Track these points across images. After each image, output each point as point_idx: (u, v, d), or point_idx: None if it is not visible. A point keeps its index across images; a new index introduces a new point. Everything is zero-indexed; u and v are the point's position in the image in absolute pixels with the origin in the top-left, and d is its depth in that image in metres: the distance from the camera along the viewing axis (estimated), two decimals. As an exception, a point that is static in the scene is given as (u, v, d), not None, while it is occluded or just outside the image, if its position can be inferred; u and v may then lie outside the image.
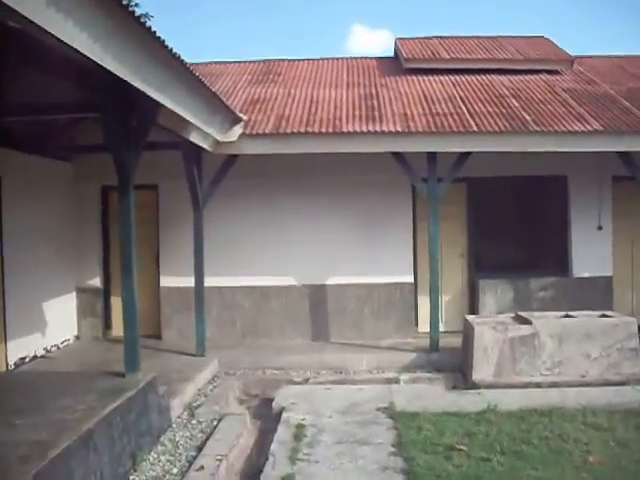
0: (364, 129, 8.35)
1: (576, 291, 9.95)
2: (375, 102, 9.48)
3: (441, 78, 10.77)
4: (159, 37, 4.89)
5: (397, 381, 7.99)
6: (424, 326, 9.79)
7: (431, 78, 10.80)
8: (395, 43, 12.53)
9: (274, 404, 6.93)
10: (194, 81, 6.21)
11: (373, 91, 10.14)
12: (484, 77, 10.74)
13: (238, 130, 8.27)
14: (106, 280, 10.31)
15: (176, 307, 9.91)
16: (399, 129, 8.32)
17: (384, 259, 9.87)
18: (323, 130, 8.32)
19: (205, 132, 7.36)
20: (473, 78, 10.71)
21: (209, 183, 8.76)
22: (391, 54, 13.02)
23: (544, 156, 9.02)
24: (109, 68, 4.43)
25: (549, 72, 11.04)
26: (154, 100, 5.44)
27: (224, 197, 9.45)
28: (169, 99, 5.71)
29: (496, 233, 10.29)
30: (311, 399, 6.98)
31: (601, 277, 10.00)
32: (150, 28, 4.69)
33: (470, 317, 8.57)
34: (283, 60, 12.40)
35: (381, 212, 9.86)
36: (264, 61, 12.39)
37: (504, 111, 8.99)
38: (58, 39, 3.78)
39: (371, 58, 12.53)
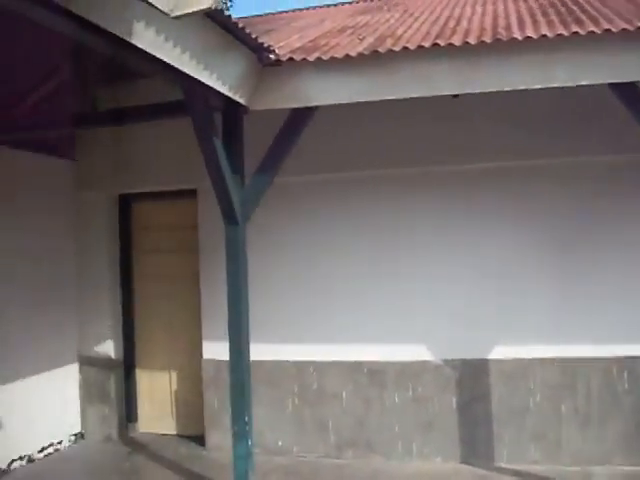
0: (564, 32, 3.72)
1: None
2: (575, 7, 4.83)
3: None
4: None
5: None
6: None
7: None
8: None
9: None
10: None
11: (568, -1, 5.45)
12: None
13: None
14: (127, 345, 6.57)
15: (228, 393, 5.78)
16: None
17: (601, 311, 5.12)
18: (471, 40, 3.75)
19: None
20: None
21: (255, 173, 4.47)
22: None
23: None
24: None
25: None
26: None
27: (285, 200, 5.47)
28: None
29: None
30: None
31: None
32: None
33: None
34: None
35: (595, 224, 5.16)
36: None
37: None
38: None
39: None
